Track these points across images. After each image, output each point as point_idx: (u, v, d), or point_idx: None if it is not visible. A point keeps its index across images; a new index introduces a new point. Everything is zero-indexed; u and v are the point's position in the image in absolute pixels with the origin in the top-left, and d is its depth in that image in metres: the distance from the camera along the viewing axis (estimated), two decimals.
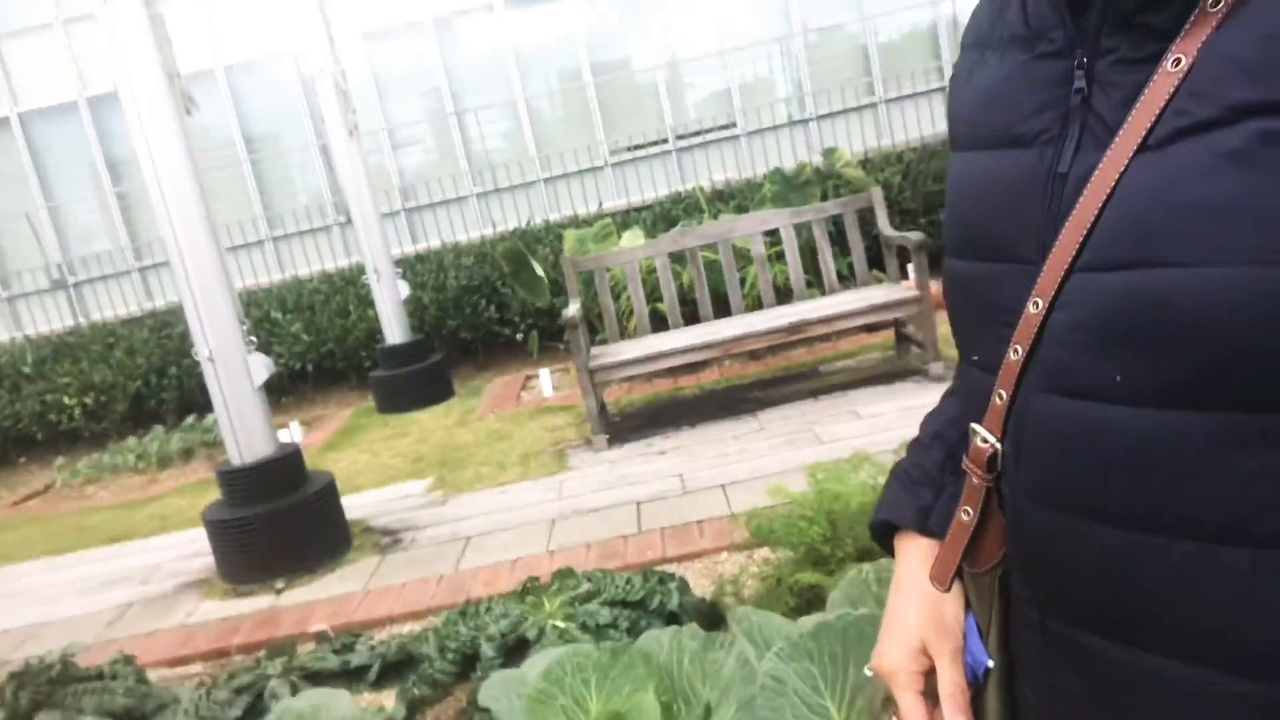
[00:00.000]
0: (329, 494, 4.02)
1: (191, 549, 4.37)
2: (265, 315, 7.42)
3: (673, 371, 5.49)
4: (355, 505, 4.41)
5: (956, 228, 0.70)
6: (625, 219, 7.45)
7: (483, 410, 6.06)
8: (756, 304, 5.29)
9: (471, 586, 3.34)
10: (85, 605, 4.02)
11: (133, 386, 7.26)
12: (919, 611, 0.75)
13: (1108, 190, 0.55)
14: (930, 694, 0.73)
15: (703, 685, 1.92)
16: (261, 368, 3.92)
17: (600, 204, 8.16)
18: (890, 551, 0.82)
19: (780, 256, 5.52)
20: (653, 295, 5.56)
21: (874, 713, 0.82)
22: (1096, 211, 0.56)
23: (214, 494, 4.12)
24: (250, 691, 2.75)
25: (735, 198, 7.23)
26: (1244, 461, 0.52)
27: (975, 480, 0.68)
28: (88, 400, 7.25)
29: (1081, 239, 0.57)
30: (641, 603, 2.64)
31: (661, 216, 7.28)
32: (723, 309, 5.21)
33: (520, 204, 8.55)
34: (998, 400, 0.64)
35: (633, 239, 6.45)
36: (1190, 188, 0.51)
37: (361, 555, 3.93)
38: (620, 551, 3.33)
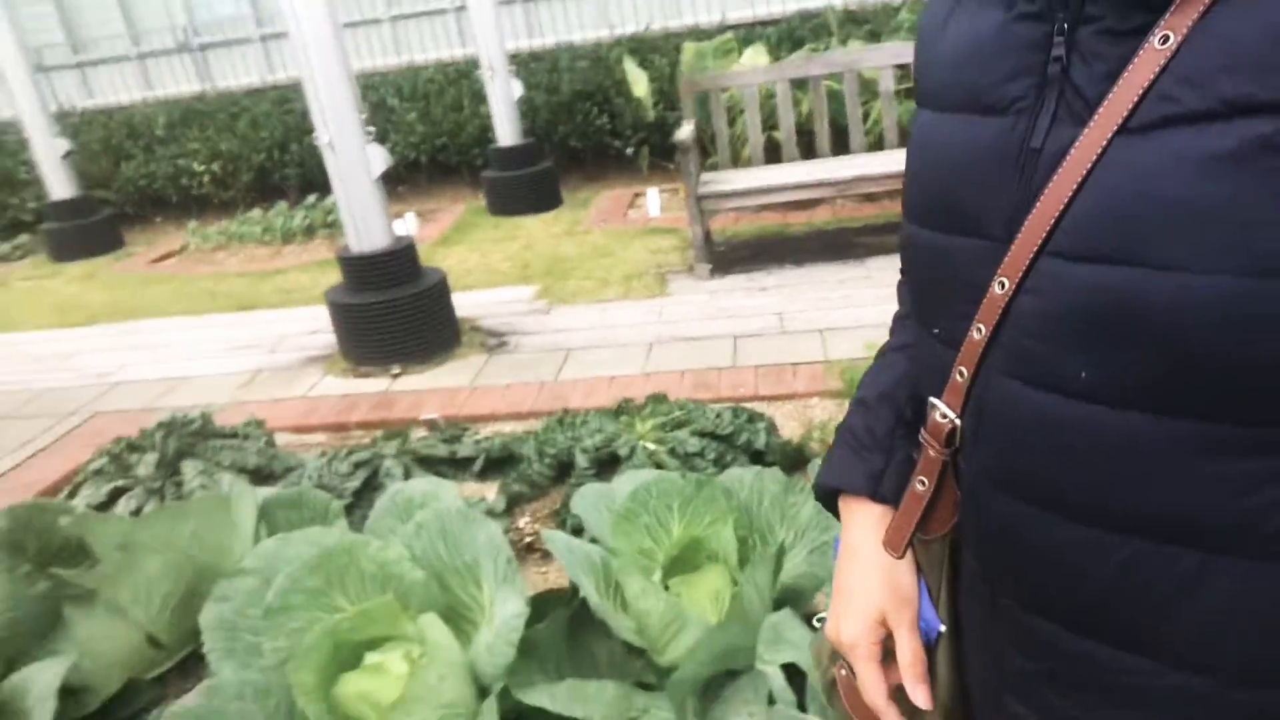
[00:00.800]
0: (441, 290, 4.23)
1: (314, 325, 4.71)
2: (382, 100, 7.50)
3: (783, 206, 5.44)
4: (465, 304, 4.64)
5: (919, 193, 0.66)
6: (749, 33, 7.14)
7: (589, 223, 6.15)
8: (878, 143, 5.12)
9: (570, 396, 3.56)
10: (219, 366, 4.42)
11: (257, 159, 7.54)
12: (876, 582, 0.74)
13: (1083, 172, 0.52)
14: (883, 660, 0.74)
15: (780, 526, 2.08)
16: (379, 159, 4.03)
17: (724, 14, 7.80)
18: (836, 514, 0.80)
19: (909, 94, 5.28)
20: (768, 122, 5.42)
21: (821, 667, 0.83)
22: (1070, 194, 0.53)
23: (333, 272, 4.37)
24: (367, 467, 3.06)
25: (869, 22, 6.83)
26: (1201, 468, 0.52)
27: (932, 453, 0.67)
28: (215, 168, 7.58)
29: (1053, 222, 0.54)
30: (729, 437, 2.80)
31: (787, 35, 6.95)
32: (841, 145, 5.07)
33: (641, 6, 8.22)
34: (958, 377, 0.62)
35: (754, 57, 6.22)
36: (1174, 185, 0.48)
37: (469, 352, 4.19)
38: (713, 383, 3.48)
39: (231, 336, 4.83)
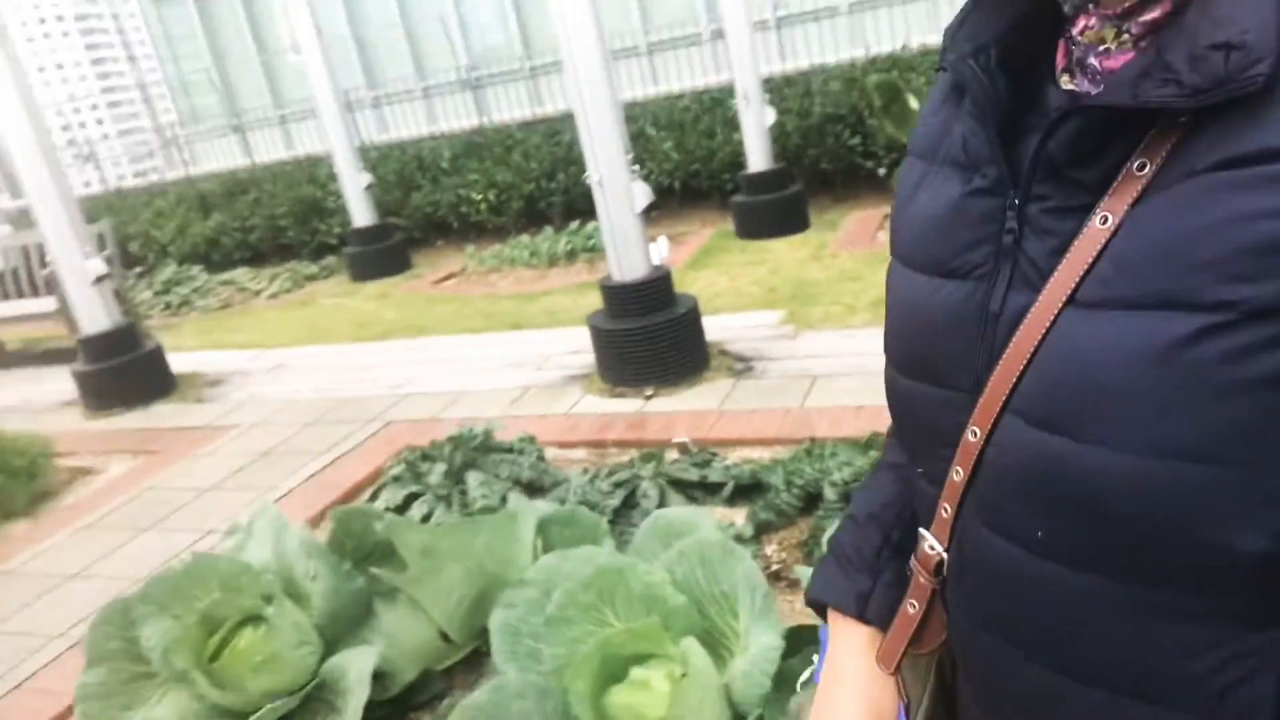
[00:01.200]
0: (693, 316, 4.43)
1: (576, 345, 5.06)
2: (640, 131, 7.90)
3: None
4: (713, 327, 4.81)
5: (897, 342, 0.70)
6: None
7: (836, 246, 6.15)
8: None
9: (816, 425, 3.60)
10: (493, 381, 4.87)
11: (527, 188, 8.19)
12: (857, 702, 0.76)
13: (1037, 338, 0.55)
14: None
15: None
16: (642, 196, 4.31)
17: None
18: (823, 617, 0.83)
19: None
20: None
21: None
22: (1025, 359, 0.56)
23: (593, 295, 4.65)
24: (625, 487, 3.27)
25: None
26: (1154, 629, 0.54)
27: (922, 580, 0.70)
28: (490, 196, 8.31)
29: (1012, 383, 0.57)
30: None
31: None
32: None
33: (898, 22, 8.09)
34: (943, 513, 0.65)
35: None
36: (1105, 366, 0.51)
37: (717, 376, 4.34)
38: None
39: (504, 354, 5.30)
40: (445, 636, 2.42)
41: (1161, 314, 0.49)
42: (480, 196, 8.34)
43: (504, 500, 3.13)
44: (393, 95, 10.75)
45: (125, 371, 5.28)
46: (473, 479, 3.32)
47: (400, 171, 8.88)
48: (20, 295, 6.86)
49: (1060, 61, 0.60)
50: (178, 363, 5.70)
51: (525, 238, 7.77)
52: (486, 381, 4.89)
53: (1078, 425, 0.52)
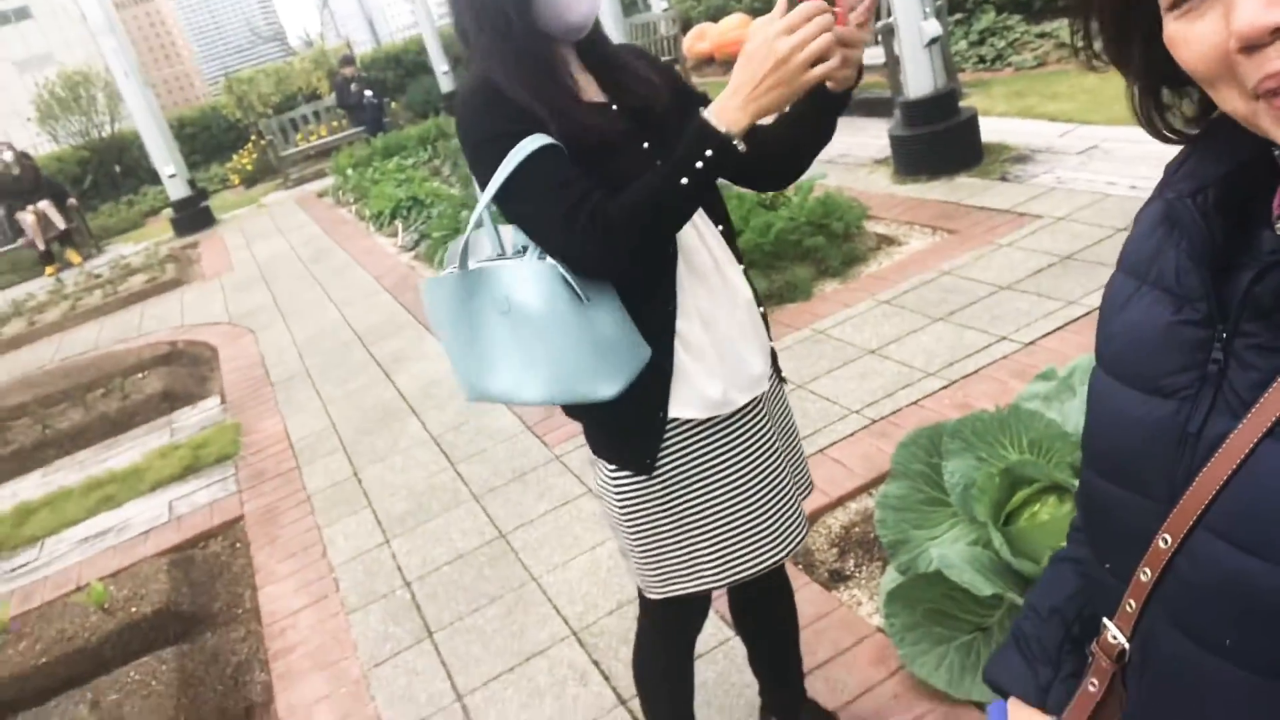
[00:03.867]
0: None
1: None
2: None
3: None
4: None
5: (1096, 448, 0.73)
6: None
7: None
8: None
9: None
10: None
11: None
12: None
13: (1235, 464, 0.58)
14: None
15: None
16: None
17: None
18: (1000, 694, 0.88)
19: None
20: None
21: None
22: (1223, 480, 0.59)
23: None
24: None
25: None
26: None
27: (1104, 664, 0.74)
28: None
29: (1208, 500, 0.60)
30: None
31: None
32: None
33: None
34: (1128, 608, 0.69)
35: None
36: None
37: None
38: None
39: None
40: None
41: None
42: None
43: None
44: None
45: (939, 139, 5.25)
46: None
47: None
48: None
49: (1277, 209, 0.62)
50: (985, 129, 5.49)
51: None
52: None
53: (1271, 549, 0.56)
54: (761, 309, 1.59)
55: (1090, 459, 0.75)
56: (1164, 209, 0.70)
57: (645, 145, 1.44)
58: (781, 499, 1.61)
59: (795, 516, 1.64)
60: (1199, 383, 0.64)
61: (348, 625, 3.01)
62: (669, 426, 1.48)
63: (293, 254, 8.58)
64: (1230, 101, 0.58)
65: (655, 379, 1.43)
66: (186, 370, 6.16)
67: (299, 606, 3.19)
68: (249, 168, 14.09)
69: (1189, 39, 0.57)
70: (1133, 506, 0.68)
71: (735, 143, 1.25)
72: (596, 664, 2.52)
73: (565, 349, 1.33)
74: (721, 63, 11.72)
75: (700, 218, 1.47)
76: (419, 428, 4.28)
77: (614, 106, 1.45)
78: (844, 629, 2.37)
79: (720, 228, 1.53)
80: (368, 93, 13.16)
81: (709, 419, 1.50)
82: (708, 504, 1.55)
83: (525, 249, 1.38)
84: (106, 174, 15.10)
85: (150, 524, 4.06)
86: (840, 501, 2.87)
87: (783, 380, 1.71)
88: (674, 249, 1.43)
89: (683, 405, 1.47)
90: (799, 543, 1.64)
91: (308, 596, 3.23)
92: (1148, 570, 0.66)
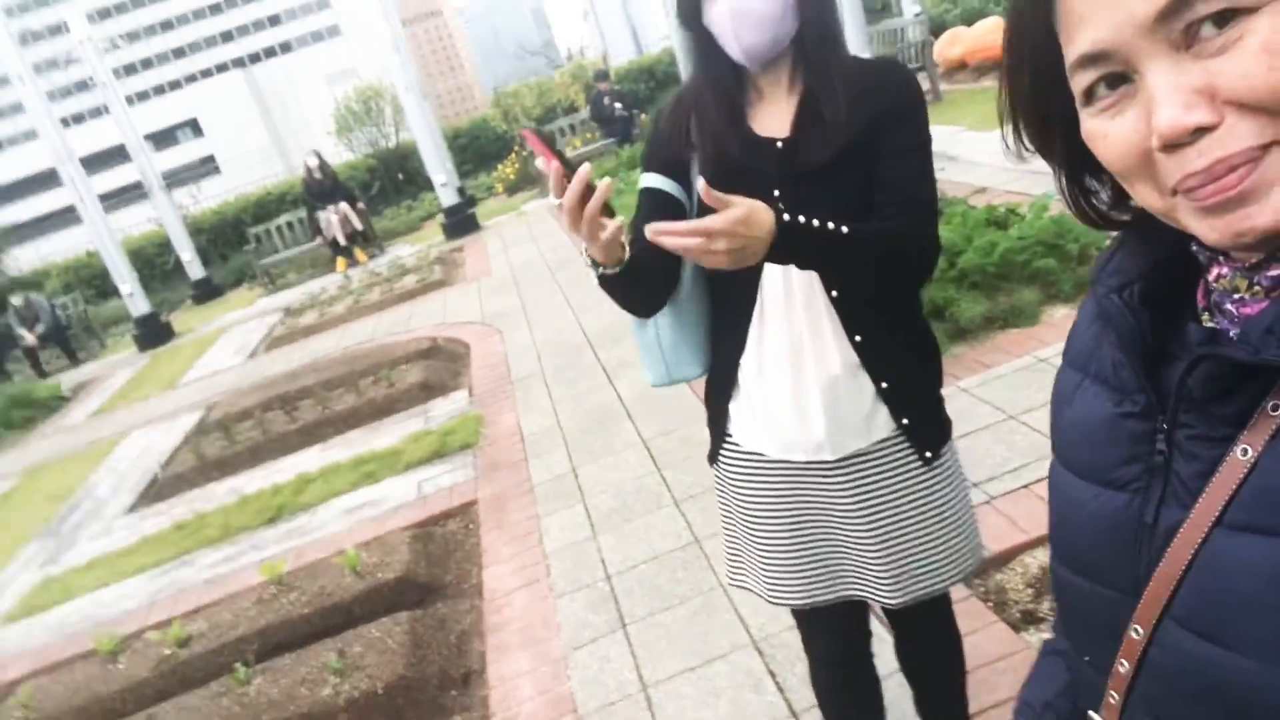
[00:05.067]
0: None
1: None
2: None
3: None
4: None
5: (1059, 540, 0.74)
6: None
7: None
8: None
9: None
10: None
11: None
12: None
13: (1190, 554, 0.59)
14: None
15: None
16: None
17: None
18: None
19: None
20: None
21: None
22: (1181, 570, 0.59)
23: None
24: None
25: None
26: None
27: None
28: None
29: (1170, 590, 0.60)
30: None
31: None
32: None
33: None
34: (1110, 700, 0.69)
35: None
36: (1251, 586, 0.55)
37: None
38: None
39: None
40: None
41: None
42: None
43: None
44: None
45: None
46: None
47: None
48: None
49: (1200, 301, 0.64)
50: None
51: None
52: None
53: (1230, 636, 0.56)
54: (885, 385, 1.53)
55: (1056, 551, 0.75)
56: (1095, 305, 0.71)
57: (776, 193, 1.45)
58: (808, 565, 1.64)
59: (821, 588, 1.66)
60: (1147, 475, 0.64)
61: (554, 609, 3.30)
62: (727, 436, 1.67)
63: (542, 260, 9.23)
64: (1147, 197, 0.58)
65: (722, 390, 1.63)
66: (443, 364, 6.84)
67: (515, 587, 3.53)
68: (512, 176, 15.21)
69: (1108, 136, 0.58)
70: (1101, 598, 0.68)
71: (599, 269, 1.39)
72: (773, 674, 2.62)
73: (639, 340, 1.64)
74: (974, 69, 11.23)
75: (799, 280, 1.49)
76: (632, 431, 4.54)
77: (779, 143, 1.47)
78: (1027, 672, 2.31)
79: (834, 294, 1.49)
80: (618, 105, 13.82)
81: (754, 451, 1.63)
82: (741, 522, 1.70)
83: None
84: (391, 180, 16.89)
85: (401, 501, 4.61)
86: (1041, 541, 2.78)
87: (927, 461, 1.58)
88: (753, 296, 1.53)
89: (734, 425, 1.64)
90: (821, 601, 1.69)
91: (523, 579, 3.56)
92: (1124, 662, 0.66)
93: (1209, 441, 0.59)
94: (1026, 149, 0.67)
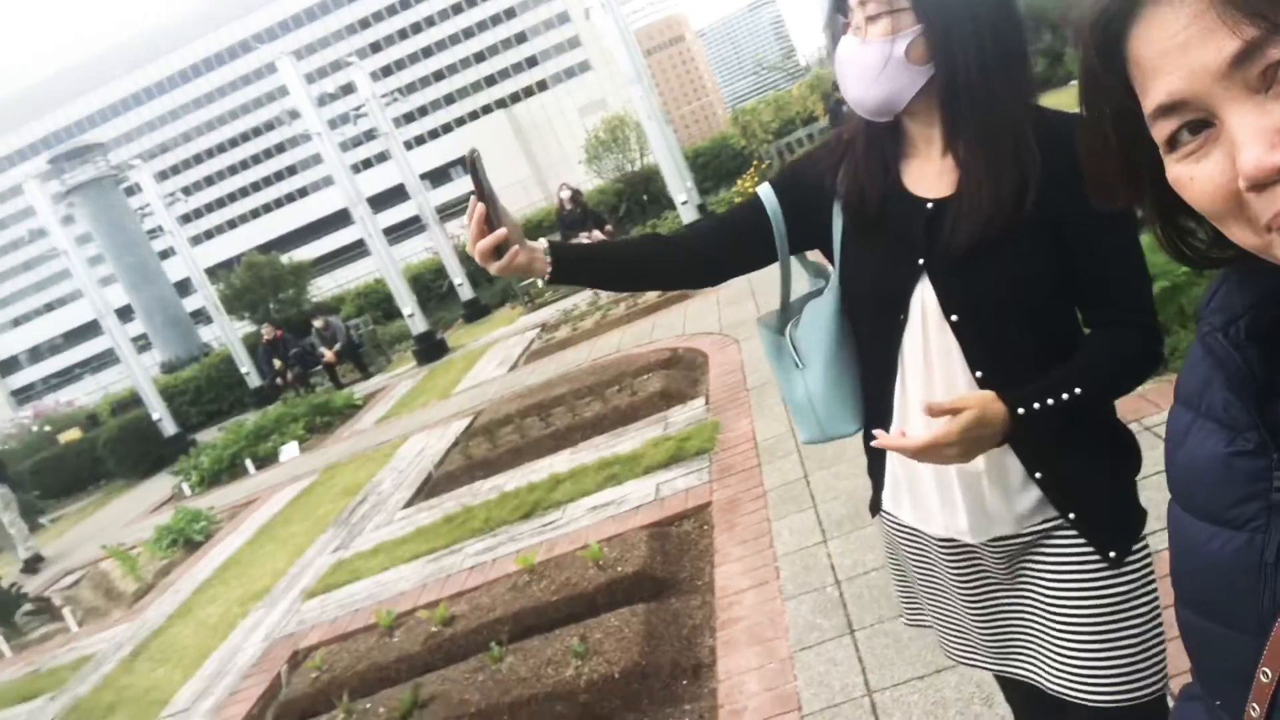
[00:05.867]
0: None
1: None
2: None
3: None
4: None
5: (1181, 582, 0.72)
6: None
7: None
8: None
9: None
10: None
11: None
12: None
13: None
14: None
15: None
16: None
17: None
18: None
19: None
20: None
21: None
22: None
23: None
24: None
25: None
26: None
27: None
28: None
29: None
30: None
31: None
32: None
33: None
34: None
35: None
36: None
37: None
38: None
39: None
40: None
41: None
42: None
43: None
44: None
45: None
46: None
47: None
48: None
49: None
50: None
51: None
52: None
53: None
54: (1038, 476, 1.35)
55: (1179, 594, 0.74)
56: (1200, 344, 0.70)
57: (921, 262, 1.33)
58: (982, 629, 1.54)
59: (995, 657, 1.55)
60: (1266, 513, 0.62)
61: (783, 610, 3.34)
62: (882, 504, 1.61)
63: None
64: (1242, 236, 0.58)
65: (874, 456, 1.56)
66: (681, 374, 7.08)
67: (745, 586, 3.61)
68: (750, 191, 15.36)
69: (1195, 180, 0.58)
70: (1227, 641, 0.67)
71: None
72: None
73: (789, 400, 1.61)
74: None
75: (938, 352, 1.36)
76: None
77: (929, 205, 1.32)
78: None
79: (979, 374, 1.33)
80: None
81: (894, 514, 1.57)
82: (911, 573, 1.65)
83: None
84: (636, 201, 17.62)
85: (640, 501, 4.84)
86: None
87: (1111, 561, 1.35)
88: (894, 365, 1.42)
89: (887, 494, 1.58)
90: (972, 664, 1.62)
91: (753, 579, 3.63)
92: (1256, 706, 0.64)
93: None
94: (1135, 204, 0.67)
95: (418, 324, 13.68)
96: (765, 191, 1.51)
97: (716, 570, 3.84)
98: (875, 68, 1.25)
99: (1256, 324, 0.64)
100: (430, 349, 13.50)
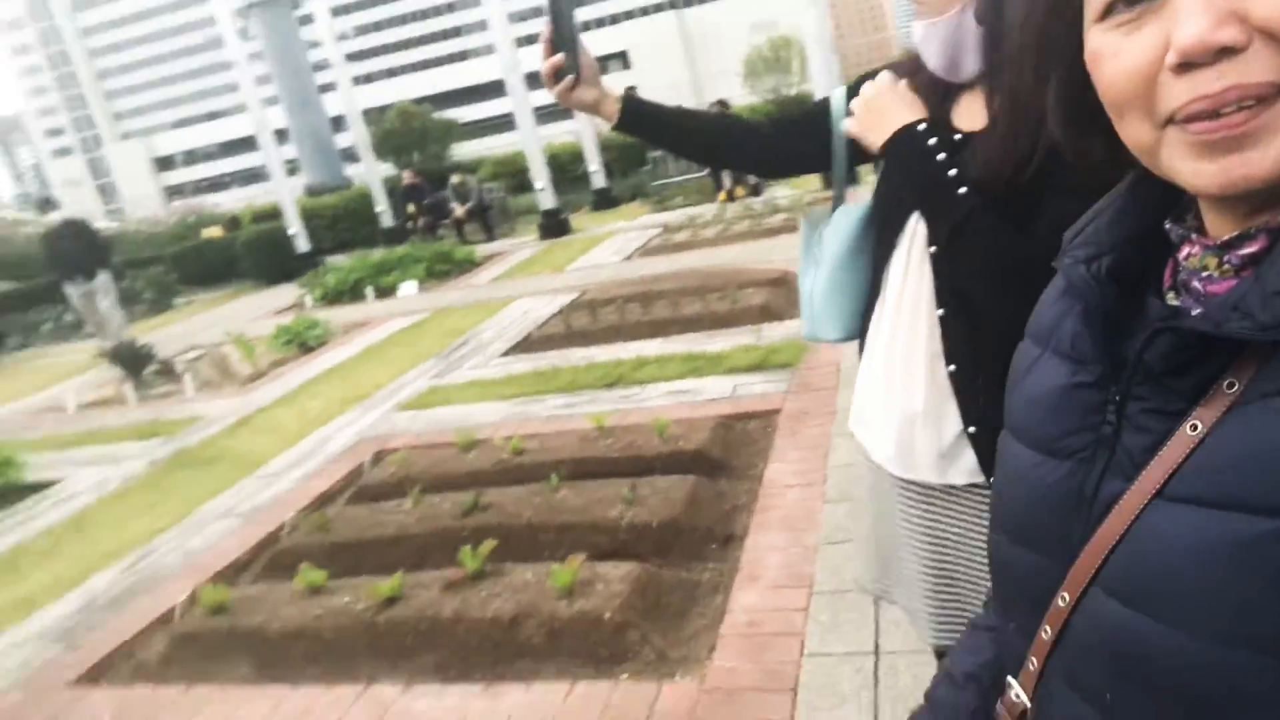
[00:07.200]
0: None
1: None
2: None
3: None
4: None
5: (1001, 508, 0.75)
6: None
7: None
8: None
9: None
10: None
11: None
12: None
13: (1126, 524, 0.59)
14: None
15: None
16: None
17: None
18: None
19: None
20: None
21: None
22: (1115, 540, 0.60)
23: None
24: None
25: None
26: None
27: None
28: None
29: (1101, 559, 0.61)
30: None
31: None
32: None
33: None
34: (1030, 666, 0.70)
35: None
36: (1187, 558, 0.55)
37: None
38: None
39: None
40: None
41: (1238, 515, 0.52)
42: None
43: None
44: None
45: None
46: None
47: None
48: None
49: (1167, 280, 0.64)
50: None
51: None
52: None
53: (1158, 607, 0.56)
54: (971, 431, 1.38)
55: (996, 519, 0.76)
56: (1062, 277, 0.72)
57: (963, 190, 1.32)
58: (882, 551, 1.59)
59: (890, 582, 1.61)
60: (1094, 445, 0.64)
61: (820, 510, 3.58)
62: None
63: None
64: (1135, 132, 0.57)
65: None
66: (786, 294, 7.22)
67: (792, 484, 3.85)
68: None
69: (1118, 53, 0.55)
70: (1035, 566, 0.68)
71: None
72: None
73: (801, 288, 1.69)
74: None
75: (912, 289, 1.42)
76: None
77: (959, 136, 1.36)
78: None
79: (941, 311, 1.38)
80: None
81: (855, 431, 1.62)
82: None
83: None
84: None
85: (716, 395, 5.10)
86: None
87: None
88: (880, 283, 1.49)
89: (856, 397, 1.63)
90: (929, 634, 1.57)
91: (800, 480, 3.87)
92: (1048, 628, 0.66)
93: (1160, 415, 0.59)
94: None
95: (547, 200, 14.06)
96: (837, 94, 1.57)
97: (769, 466, 4.09)
98: (953, 42, 1.31)
99: (1120, 263, 0.65)
100: (554, 226, 13.90)
